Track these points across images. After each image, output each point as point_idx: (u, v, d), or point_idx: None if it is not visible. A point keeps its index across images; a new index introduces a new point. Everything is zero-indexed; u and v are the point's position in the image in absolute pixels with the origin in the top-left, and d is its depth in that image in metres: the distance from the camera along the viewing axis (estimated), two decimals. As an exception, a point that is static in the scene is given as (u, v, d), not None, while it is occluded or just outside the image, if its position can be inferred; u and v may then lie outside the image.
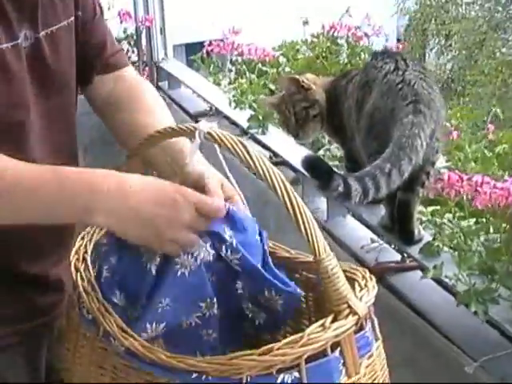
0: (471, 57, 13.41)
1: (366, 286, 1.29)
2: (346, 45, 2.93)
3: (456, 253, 1.48)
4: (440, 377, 1.52)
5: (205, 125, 1.25)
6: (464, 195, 1.54)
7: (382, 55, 1.85)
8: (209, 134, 1.24)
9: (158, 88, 3.80)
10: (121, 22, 3.72)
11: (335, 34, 2.95)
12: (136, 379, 1.24)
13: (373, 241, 1.85)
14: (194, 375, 1.15)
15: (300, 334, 1.14)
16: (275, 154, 2.39)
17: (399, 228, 1.71)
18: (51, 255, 1.51)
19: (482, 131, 2.36)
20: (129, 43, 3.88)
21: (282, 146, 2.37)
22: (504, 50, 13.28)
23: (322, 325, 1.16)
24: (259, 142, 2.49)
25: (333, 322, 1.17)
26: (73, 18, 1.46)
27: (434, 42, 14.19)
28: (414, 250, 1.64)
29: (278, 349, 1.12)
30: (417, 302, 1.62)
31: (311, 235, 1.19)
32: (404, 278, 1.70)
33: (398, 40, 13.51)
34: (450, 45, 13.86)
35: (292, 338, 1.14)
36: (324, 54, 2.88)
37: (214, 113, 2.97)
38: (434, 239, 1.57)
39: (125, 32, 3.77)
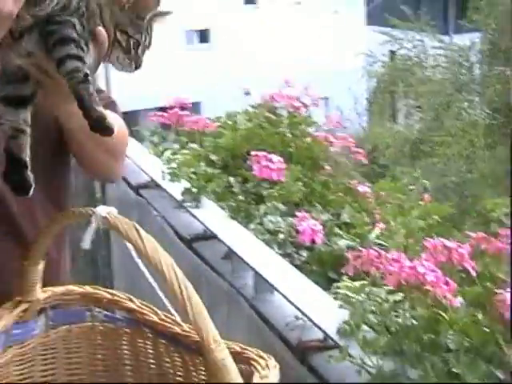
0: (438, 118, 13.60)
1: (267, 366, 1.24)
2: (287, 114, 2.93)
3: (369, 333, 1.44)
4: None
5: (102, 210, 1.24)
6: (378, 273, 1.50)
7: None
8: (105, 218, 1.22)
9: (104, 159, 3.77)
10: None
11: (275, 105, 2.95)
12: None
13: (297, 318, 1.82)
14: None
15: None
16: (207, 229, 2.36)
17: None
18: None
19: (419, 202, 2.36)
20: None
21: (214, 221, 2.35)
22: (470, 111, 13.48)
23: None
24: (194, 216, 2.46)
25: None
26: None
27: (401, 103, 14.38)
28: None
29: None
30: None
31: (201, 325, 1.15)
32: (326, 358, 1.65)
33: (368, 100, 13.78)
34: (419, 106, 14.05)
35: None
36: (263, 125, 2.88)
37: (154, 185, 2.94)
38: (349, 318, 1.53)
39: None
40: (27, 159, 1.35)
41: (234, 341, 1.95)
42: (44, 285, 1.53)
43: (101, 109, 1.28)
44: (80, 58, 1.31)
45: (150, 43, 1.44)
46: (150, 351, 1.52)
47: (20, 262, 1.45)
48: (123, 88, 4.14)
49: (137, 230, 1.17)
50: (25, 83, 1.33)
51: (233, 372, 1.14)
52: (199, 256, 2.39)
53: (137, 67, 1.44)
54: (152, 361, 1.52)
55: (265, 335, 1.86)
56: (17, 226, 1.54)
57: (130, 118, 3.98)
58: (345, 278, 1.74)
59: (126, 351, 1.56)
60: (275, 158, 2.38)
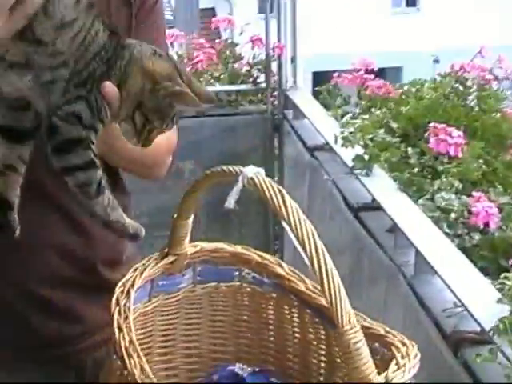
0: None
1: (407, 354, 1.15)
2: (476, 86, 2.76)
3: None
4: None
5: (250, 170, 1.20)
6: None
7: None
8: (251, 179, 1.18)
9: (284, 116, 3.77)
10: (252, 48, 3.73)
11: (465, 76, 2.79)
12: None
13: (456, 305, 1.70)
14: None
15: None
16: (375, 199, 2.28)
17: None
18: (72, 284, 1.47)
19: None
20: (258, 69, 3.89)
21: (382, 191, 2.26)
22: None
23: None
24: (363, 184, 2.38)
25: (352, 403, 1.05)
26: None
27: None
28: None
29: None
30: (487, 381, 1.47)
31: (336, 303, 1.07)
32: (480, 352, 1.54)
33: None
34: None
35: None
36: (450, 96, 2.73)
37: (328, 148, 2.88)
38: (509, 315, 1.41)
39: (255, 58, 3.78)
40: (14, 200, 1.22)
41: (388, 318, 1.88)
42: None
43: (117, 214, 1.19)
44: (92, 164, 1.17)
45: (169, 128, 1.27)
46: (295, 319, 1.48)
47: (64, 235, 1.45)
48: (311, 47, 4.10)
49: (281, 195, 1.12)
50: (25, 113, 1.19)
51: (365, 357, 1.07)
52: (364, 226, 2.32)
53: (143, 146, 1.26)
54: (296, 329, 1.48)
55: (420, 318, 1.77)
56: (55, 200, 1.47)
57: (319, 77, 3.96)
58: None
59: (270, 316, 1.53)
60: (455, 132, 2.25)
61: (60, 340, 1.51)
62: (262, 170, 1.20)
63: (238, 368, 1.51)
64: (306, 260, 1.08)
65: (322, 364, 1.43)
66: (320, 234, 2.73)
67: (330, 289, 1.07)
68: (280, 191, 1.13)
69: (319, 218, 2.79)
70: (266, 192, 1.14)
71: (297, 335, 1.49)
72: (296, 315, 1.48)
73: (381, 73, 3.39)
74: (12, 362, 1.49)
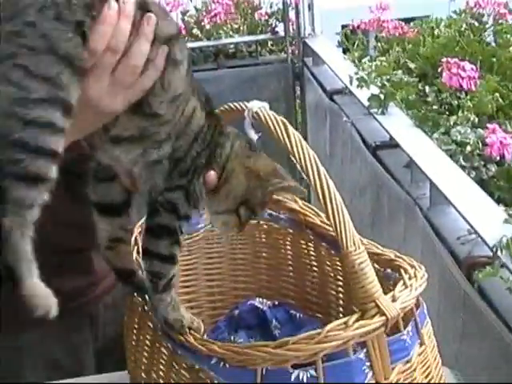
0: None
1: (415, 275, 1.19)
2: (493, 21, 2.75)
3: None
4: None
5: (255, 104, 1.23)
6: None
7: None
8: (256, 113, 1.21)
9: (304, 63, 3.78)
10: (269, -3, 3.74)
11: (480, 11, 2.77)
12: (171, 362, 1.25)
13: (470, 232, 1.74)
14: (214, 360, 1.13)
15: (318, 330, 1.08)
16: (391, 137, 2.30)
17: None
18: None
19: None
20: (276, 18, 3.89)
21: (398, 129, 2.27)
22: None
23: (345, 323, 1.09)
24: (379, 123, 2.40)
25: (357, 320, 1.09)
26: None
27: None
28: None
29: (294, 343, 1.07)
30: (499, 302, 1.50)
31: (340, 226, 1.11)
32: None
33: None
34: None
35: (310, 333, 1.08)
36: (466, 33, 2.72)
37: (347, 91, 2.90)
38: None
39: (271, 7, 3.78)
40: (131, 266, 1.25)
41: (408, 249, 1.92)
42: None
43: (178, 315, 1.19)
44: (172, 259, 1.19)
45: None
46: (312, 253, 1.52)
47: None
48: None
49: (285, 126, 1.15)
50: (115, 185, 1.21)
51: (370, 277, 1.10)
52: (382, 164, 2.35)
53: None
54: (314, 263, 1.52)
55: (436, 247, 1.80)
56: None
57: (333, 17, 3.94)
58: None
59: (288, 251, 1.57)
60: (468, 65, 2.25)
61: (73, 293, 1.56)
62: (266, 104, 1.23)
63: (257, 302, 1.55)
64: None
65: (340, 295, 1.48)
66: (342, 175, 2.80)
67: (333, 212, 1.10)
68: (283, 122, 1.17)
69: (341, 159, 2.83)
70: (270, 124, 1.17)
71: (314, 268, 1.53)
72: (312, 249, 1.52)
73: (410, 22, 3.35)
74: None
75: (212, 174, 1.18)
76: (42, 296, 1.00)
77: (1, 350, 1.54)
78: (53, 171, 0.98)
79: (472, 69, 2.25)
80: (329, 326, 1.07)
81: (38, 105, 0.97)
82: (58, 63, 0.99)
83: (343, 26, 3.53)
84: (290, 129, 1.16)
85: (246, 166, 1.22)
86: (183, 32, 4.02)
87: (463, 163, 2.09)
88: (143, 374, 1.32)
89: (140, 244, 1.27)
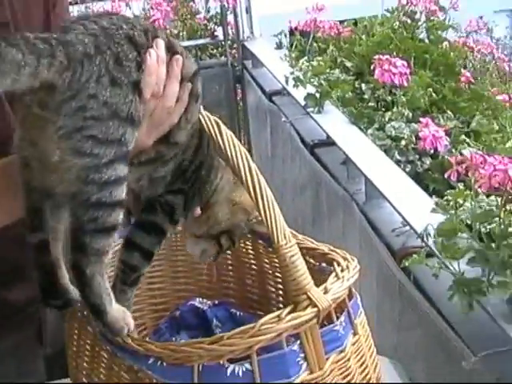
0: None
1: (347, 267, 1.22)
2: (425, 18, 2.80)
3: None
4: (448, 372, 1.44)
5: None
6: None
7: None
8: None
9: (243, 66, 3.80)
10: (206, 2, 3.74)
11: (412, 9, 2.83)
12: (111, 364, 1.26)
13: (403, 224, 1.78)
14: (151, 360, 1.14)
15: (252, 325, 1.10)
16: (328, 135, 2.33)
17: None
18: None
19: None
20: (215, 22, 3.90)
21: (334, 127, 2.31)
22: None
23: (278, 316, 1.11)
24: (316, 122, 2.43)
25: (290, 313, 1.11)
26: None
27: None
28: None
29: (228, 338, 1.09)
30: (432, 291, 1.54)
31: (271, 221, 1.13)
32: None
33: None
34: None
35: (244, 327, 1.10)
36: (399, 30, 2.78)
37: (286, 92, 2.93)
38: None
39: (209, 11, 3.79)
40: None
41: (346, 243, 1.95)
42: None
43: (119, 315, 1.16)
44: (151, 255, 1.27)
45: None
46: (251, 251, 1.54)
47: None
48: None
49: (217, 125, 1.18)
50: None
51: (301, 269, 1.13)
52: (320, 162, 2.38)
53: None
54: (252, 261, 1.55)
55: (372, 239, 1.84)
56: None
57: (271, 22, 3.97)
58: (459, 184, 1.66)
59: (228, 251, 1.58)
60: (399, 62, 2.29)
61: (22, 303, 1.56)
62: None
63: (198, 302, 1.57)
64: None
65: (280, 292, 1.50)
66: (284, 175, 2.82)
67: (264, 208, 1.13)
68: (216, 121, 1.19)
69: (282, 159, 2.86)
70: (203, 122, 1.19)
71: (253, 266, 1.55)
72: (250, 247, 1.54)
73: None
74: None
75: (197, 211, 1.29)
76: (122, 318, 1.13)
77: None
78: (121, 216, 1.09)
79: (403, 65, 2.30)
80: (262, 320, 1.10)
81: (109, 166, 1.05)
82: (122, 125, 1.06)
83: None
84: (223, 127, 1.19)
85: (231, 199, 1.32)
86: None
87: (398, 157, 2.13)
88: (84, 379, 1.33)
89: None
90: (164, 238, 1.27)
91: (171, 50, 1.17)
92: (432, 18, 2.77)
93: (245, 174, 1.14)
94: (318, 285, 1.14)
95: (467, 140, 2.22)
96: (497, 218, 1.32)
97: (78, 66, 1.03)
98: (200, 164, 1.27)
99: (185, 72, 1.18)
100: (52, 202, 1.14)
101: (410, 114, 2.31)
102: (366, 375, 1.22)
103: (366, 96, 2.58)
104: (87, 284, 1.09)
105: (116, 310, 1.12)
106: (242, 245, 1.52)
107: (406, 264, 1.41)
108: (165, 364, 1.13)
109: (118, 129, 1.05)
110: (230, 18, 3.89)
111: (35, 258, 1.19)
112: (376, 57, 2.35)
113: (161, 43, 1.14)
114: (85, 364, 1.32)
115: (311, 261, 1.31)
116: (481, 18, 3.14)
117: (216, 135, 1.17)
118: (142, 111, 1.10)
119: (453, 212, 1.40)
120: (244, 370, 1.10)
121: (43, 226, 1.16)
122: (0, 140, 1.23)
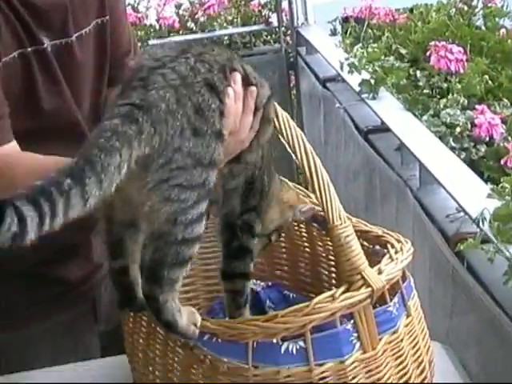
0: None
1: (401, 249, 1.23)
2: (482, 5, 2.77)
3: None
4: (501, 358, 1.44)
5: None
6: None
7: None
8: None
9: (297, 53, 3.81)
10: (261, -12, 3.75)
11: (469, -5, 2.80)
12: (166, 340, 1.28)
13: (458, 210, 1.77)
14: (206, 336, 1.17)
15: (306, 303, 1.11)
16: (382, 121, 2.33)
17: None
18: None
19: None
20: (269, 9, 3.91)
21: (388, 113, 2.31)
22: None
23: (332, 295, 1.13)
24: (370, 108, 2.43)
25: (344, 292, 1.13)
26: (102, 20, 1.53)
27: None
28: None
29: (283, 316, 1.11)
30: (486, 276, 1.53)
31: (326, 201, 1.15)
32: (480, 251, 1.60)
33: None
34: None
35: (298, 306, 1.12)
36: (455, 17, 2.75)
37: (340, 78, 2.93)
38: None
39: (265, -3, 3.80)
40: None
41: (400, 229, 1.95)
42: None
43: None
44: (248, 276, 1.35)
45: None
46: (304, 234, 1.55)
47: None
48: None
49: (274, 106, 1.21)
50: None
51: (355, 250, 1.14)
52: (374, 148, 2.38)
53: None
54: (306, 244, 1.56)
55: (426, 225, 1.84)
56: None
57: (325, 9, 3.97)
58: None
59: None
60: (455, 48, 2.28)
61: (75, 281, 1.63)
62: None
63: (251, 284, 1.58)
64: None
65: (333, 275, 1.51)
66: (337, 161, 2.82)
67: (319, 188, 1.14)
68: (273, 104, 1.22)
69: (335, 146, 2.87)
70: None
71: (307, 249, 1.56)
72: (304, 230, 1.55)
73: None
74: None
75: None
76: (191, 321, 1.17)
77: (12, 340, 1.60)
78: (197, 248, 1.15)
79: (459, 51, 2.28)
80: (316, 299, 1.11)
81: (194, 207, 1.11)
82: (205, 171, 1.11)
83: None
84: (278, 108, 1.20)
85: (280, 199, 1.37)
86: (177, 25, 4.06)
87: (453, 144, 2.12)
88: (140, 355, 1.36)
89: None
90: (253, 254, 1.35)
91: (245, 81, 1.19)
92: (489, 4, 2.74)
93: (300, 155, 1.16)
94: (371, 267, 1.16)
95: (523, 128, 2.20)
96: (553, 204, 1.31)
97: (163, 128, 1.07)
98: (263, 173, 1.32)
99: (258, 101, 1.20)
100: (133, 229, 1.19)
101: (466, 102, 2.29)
102: (419, 357, 1.23)
103: (420, 83, 2.56)
104: (160, 310, 1.14)
105: (186, 318, 1.16)
106: (296, 228, 1.54)
107: (462, 248, 1.41)
108: (219, 340, 1.16)
109: (201, 175, 1.10)
110: (285, 4, 3.89)
111: (115, 279, 1.25)
112: (432, 43, 2.34)
113: (238, 78, 1.16)
114: (141, 340, 1.35)
115: (365, 243, 1.32)
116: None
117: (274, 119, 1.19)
118: (222, 152, 1.13)
119: (509, 198, 1.39)
120: (298, 347, 1.12)
121: (123, 253, 1.21)
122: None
